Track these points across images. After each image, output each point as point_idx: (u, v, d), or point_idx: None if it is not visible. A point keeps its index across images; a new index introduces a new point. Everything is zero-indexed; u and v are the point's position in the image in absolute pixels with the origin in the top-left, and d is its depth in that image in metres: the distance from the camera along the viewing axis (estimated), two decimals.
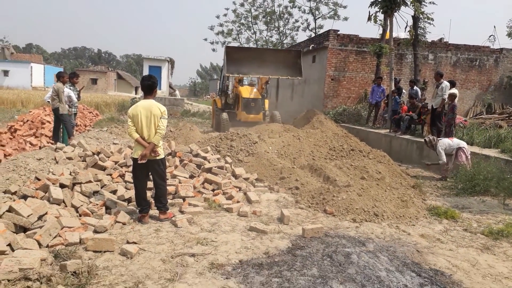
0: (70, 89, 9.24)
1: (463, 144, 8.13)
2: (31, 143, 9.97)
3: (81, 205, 4.88)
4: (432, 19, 13.84)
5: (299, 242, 4.52)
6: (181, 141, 10.40)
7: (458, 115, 11.81)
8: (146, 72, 30.14)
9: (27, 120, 12.16)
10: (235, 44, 35.02)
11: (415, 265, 4.08)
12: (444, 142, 8.13)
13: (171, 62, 31.85)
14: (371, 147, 10.30)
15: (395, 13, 13.19)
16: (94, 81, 56.00)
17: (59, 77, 8.67)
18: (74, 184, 5.33)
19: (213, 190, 6.23)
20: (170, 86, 32.44)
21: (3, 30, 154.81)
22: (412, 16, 13.72)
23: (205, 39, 36.31)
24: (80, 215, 4.75)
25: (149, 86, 4.82)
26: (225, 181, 6.38)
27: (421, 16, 13.50)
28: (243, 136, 8.94)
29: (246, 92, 13.88)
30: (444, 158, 8.04)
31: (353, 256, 4.18)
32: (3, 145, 9.39)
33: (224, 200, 5.86)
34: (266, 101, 14.47)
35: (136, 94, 36.68)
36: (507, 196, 6.74)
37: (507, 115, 14.61)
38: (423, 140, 8.67)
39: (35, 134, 11.25)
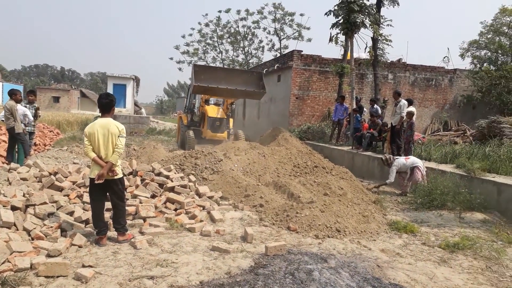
0: (26, 107, 8.90)
1: (418, 163, 8.42)
2: None
3: (34, 228, 4.65)
4: (390, 41, 14.51)
5: (261, 261, 4.48)
6: (145, 159, 10.20)
7: (416, 132, 12.28)
8: (110, 90, 29.58)
9: None
10: (201, 63, 35.16)
11: (376, 280, 4.13)
12: (399, 162, 8.43)
13: (136, 80, 31.49)
14: (334, 164, 10.49)
15: (356, 35, 13.70)
16: (57, 99, 54.26)
17: (11, 94, 8.33)
18: (27, 206, 5.08)
19: (175, 209, 6.11)
20: (136, 104, 32.00)
21: None
22: (371, 37, 14.29)
23: (171, 58, 36.32)
24: (32, 239, 4.52)
25: (107, 104, 4.72)
26: (188, 200, 6.29)
27: (379, 37, 14.08)
28: (208, 154, 8.89)
29: (213, 111, 14.25)
30: (392, 178, 8.43)
31: (315, 273, 4.19)
32: None
33: (186, 220, 5.76)
34: (231, 120, 14.87)
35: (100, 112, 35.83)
36: (462, 209, 7.00)
37: (462, 132, 15.33)
38: (381, 158, 8.95)
39: None
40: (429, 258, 4.86)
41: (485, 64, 20.10)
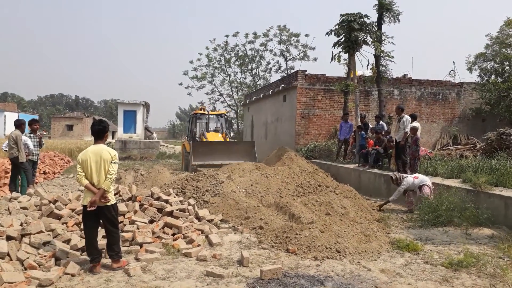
0: (31, 136, 9.07)
1: (427, 181, 8.26)
2: None
3: (28, 258, 4.65)
4: (393, 57, 14.51)
5: (256, 285, 4.39)
6: (149, 184, 10.23)
7: (422, 147, 12.10)
8: (121, 116, 30.08)
9: None
10: (210, 87, 35.65)
11: None
12: (408, 181, 8.25)
13: (146, 105, 31.96)
14: (340, 182, 10.39)
15: (358, 52, 13.76)
16: (70, 128, 55.53)
17: (18, 125, 8.53)
18: (23, 236, 5.11)
19: (173, 234, 6.07)
20: (148, 129, 32.38)
21: None
22: (373, 54, 14.31)
23: (180, 84, 36.86)
24: (25, 269, 4.52)
25: (99, 131, 4.78)
26: (186, 224, 6.24)
27: (382, 54, 14.10)
28: (210, 177, 8.89)
29: (212, 137, 15.60)
30: (396, 197, 8.33)
31: None
32: None
33: (183, 245, 5.70)
34: None
35: (113, 138, 36.37)
36: (469, 225, 6.79)
37: (471, 145, 15.06)
38: (390, 176, 8.77)
39: None
40: (430, 278, 4.69)
41: (492, 77, 19.87)
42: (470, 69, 21.95)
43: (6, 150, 8.54)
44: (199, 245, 5.74)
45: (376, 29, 14.05)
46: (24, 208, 6.31)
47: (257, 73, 35.49)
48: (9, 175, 10.90)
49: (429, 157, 12.17)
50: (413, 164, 9.86)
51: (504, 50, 20.82)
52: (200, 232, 6.31)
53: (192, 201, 7.39)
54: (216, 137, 15.68)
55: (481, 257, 5.29)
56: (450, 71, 20.56)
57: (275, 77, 40.89)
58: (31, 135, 9.18)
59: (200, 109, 18.77)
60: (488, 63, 21.28)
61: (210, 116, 17.29)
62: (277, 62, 35.25)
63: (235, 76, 35.59)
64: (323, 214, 7.16)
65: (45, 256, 4.84)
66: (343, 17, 13.42)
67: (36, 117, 50.84)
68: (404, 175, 8.69)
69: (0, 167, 12.06)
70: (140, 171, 14.45)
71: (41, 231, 5.24)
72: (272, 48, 34.20)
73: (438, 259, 5.40)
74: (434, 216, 7.20)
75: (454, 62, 24.52)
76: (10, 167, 11.46)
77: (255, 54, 34.76)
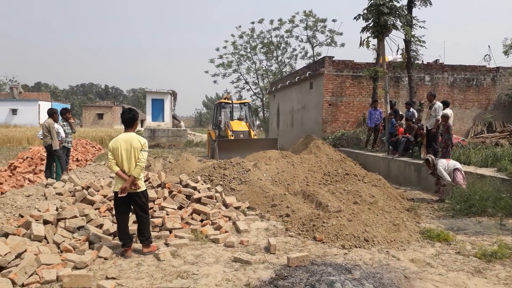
0: (64, 124, 9.37)
1: (458, 165, 8.04)
2: (30, 180, 10.04)
3: (63, 241, 4.84)
4: (424, 42, 13.99)
5: (283, 272, 4.40)
6: (177, 171, 10.39)
7: (455, 135, 11.72)
8: (149, 105, 30.58)
9: (27, 157, 12.33)
10: (235, 75, 35.60)
11: None
12: (443, 162, 8.03)
13: (174, 94, 32.32)
14: (368, 171, 10.23)
15: (387, 37, 13.36)
16: (101, 116, 56.96)
17: (51, 114, 8.82)
18: (58, 220, 5.31)
19: (201, 220, 6.17)
20: (175, 118, 32.86)
21: (13, 70, 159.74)
22: (403, 39, 13.87)
23: (207, 72, 36.93)
24: (61, 252, 4.71)
25: (129, 119, 4.87)
26: (214, 210, 6.32)
27: (412, 39, 13.64)
28: (236, 164, 8.94)
29: (236, 125, 15.97)
30: (448, 178, 7.83)
31: (337, 284, 4.05)
32: (1, 183, 9.48)
33: (211, 231, 5.78)
34: (252, 132, 16.02)
35: (141, 127, 37.17)
36: (504, 216, 6.57)
37: (508, 133, 14.46)
38: (423, 160, 8.49)
39: (34, 171, 11.37)
40: (462, 268, 4.57)
41: None
42: (506, 53, 20.97)
43: (41, 138, 8.87)
44: (226, 232, 5.81)
45: (406, 13, 13.55)
46: (59, 194, 6.56)
47: (283, 60, 35.13)
48: (44, 162, 11.37)
49: (462, 145, 11.79)
50: (445, 152, 9.57)
51: None
52: (228, 218, 6.38)
53: (219, 188, 7.47)
54: (240, 125, 16.08)
55: None
56: (485, 56, 19.71)
57: (301, 64, 40.48)
58: (64, 123, 9.47)
59: (225, 98, 19.19)
60: None
61: (234, 105, 17.80)
62: (303, 48, 34.74)
63: (260, 63, 35.40)
64: (351, 202, 7.09)
65: (79, 240, 5.02)
66: (372, 1, 13.01)
67: (68, 106, 52.51)
68: (436, 158, 8.44)
69: (36, 154, 12.57)
70: (168, 158, 14.72)
71: (75, 216, 5.44)
72: (298, 35, 33.74)
73: (470, 249, 5.26)
74: (466, 206, 7.00)
75: (489, 46, 23.55)
76: (45, 154, 11.97)
77: (281, 41, 34.38)
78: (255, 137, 16.34)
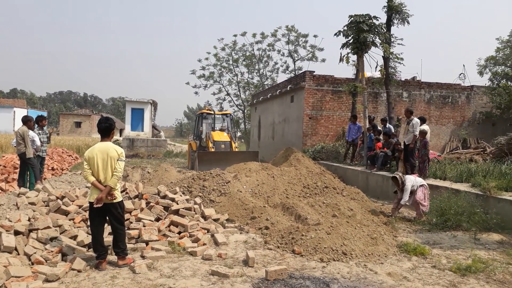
0: (39, 132, 9.14)
1: (425, 182, 8.07)
2: (1, 189, 9.69)
3: (35, 253, 4.68)
4: (402, 59, 14.37)
5: (261, 286, 4.37)
6: (156, 182, 10.25)
7: (431, 151, 11.99)
8: (129, 114, 30.21)
9: (0, 165, 11.93)
10: (217, 86, 35.65)
11: None
12: (411, 179, 7.93)
13: (154, 104, 32.04)
14: (347, 184, 10.33)
15: (366, 54, 13.65)
16: (78, 124, 55.92)
17: (25, 121, 8.59)
18: (30, 231, 5.13)
19: (179, 232, 6.07)
20: (155, 128, 32.48)
21: None
22: (382, 56, 14.20)
23: (187, 83, 36.90)
24: (32, 263, 4.54)
25: (106, 128, 4.79)
26: (192, 223, 6.23)
27: (390, 56, 13.99)
28: (216, 176, 8.88)
29: (218, 136, 15.83)
30: (407, 198, 7.73)
31: None
32: None
33: (189, 243, 5.69)
34: (233, 144, 15.90)
35: (120, 136, 36.57)
36: (478, 230, 6.71)
37: (481, 149, 14.88)
38: (393, 176, 8.17)
39: (6, 180, 10.99)
40: (438, 282, 4.63)
41: (503, 80, 19.66)
42: (480, 73, 21.81)
43: (15, 146, 8.61)
44: (204, 244, 5.73)
45: (385, 30, 13.95)
46: (32, 204, 6.35)
47: (265, 73, 35.45)
48: (18, 170, 11.02)
49: (438, 160, 12.06)
50: (422, 167, 9.78)
51: None
52: (206, 231, 6.30)
53: (198, 200, 7.39)
54: (222, 136, 15.96)
55: (489, 262, 5.22)
56: (460, 74, 20.41)
57: (282, 77, 40.88)
58: (40, 131, 9.24)
59: (207, 109, 19.05)
60: (499, 67, 21.07)
61: (216, 116, 17.68)
62: (285, 62, 35.16)
63: (242, 76, 35.59)
64: (329, 216, 7.13)
65: (52, 251, 4.86)
66: (352, 18, 13.32)
67: (45, 113, 51.35)
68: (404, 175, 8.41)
69: (9, 162, 12.18)
70: (147, 169, 14.49)
71: (48, 227, 5.27)
72: (280, 49, 34.20)
73: (446, 263, 5.34)
74: (442, 220, 7.14)
75: (464, 66, 24.41)
76: (18, 162, 11.62)
77: (263, 54, 34.72)
78: (236, 149, 16.25)
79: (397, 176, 8.02)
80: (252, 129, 27.54)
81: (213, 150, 15.20)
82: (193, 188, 8.38)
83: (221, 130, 16.81)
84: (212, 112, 17.92)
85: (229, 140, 15.87)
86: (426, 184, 8.07)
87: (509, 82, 18.96)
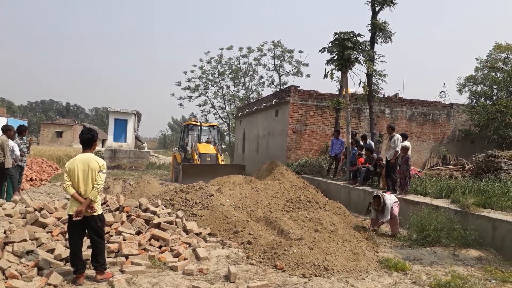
0: (20, 142, 8.95)
1: (396, 199, 8.24)
2: None
3: (9, 267, 4.53)
4: (385, 76, 14.69)
5: None
6: (137, 194, 10.11)
7: (412, 167, 12.18)
8: (112, 125, 29.87)
9: None
10: (202, 98, 35.67)
11: None
12: (389, 198, 8.01)
13: (138, 115, 31.81)
14: (329, 199, 10.39)
15: (350, 70, 13.89)
16: (60, 134, 54.94)
17: (4, 130, 8.41)
18: (5, 244, 4.98)
19: (160, 247, 5.98)
20: (138, 139, 32.18)
21: None
22: (366, 73, 14.48)
23: (172, 95, 36.81)
24: (6, 278, 4.40)
25: (88, 140, 4.72)
26: (174, 237, 6.16)
27: (374, 73, 14.27)
28: (199, 189, 8.82)
29: (204, 148, 15.56)
30: (389, 216, 7.83)
31: None
32: None
33: (170, 258, 5.61)
34: (220, 157, 15.62)
35: (102, 147, 36.05)
36: (457, 246, 6.82)
37: (460, 166, 15.21)
38: (377, 195, 8.06)
39: None
40: None
41: (481, 99, 20.25)
42: (460, 91, 22.44)
43: None
44: (186, 259, 5.66)
45: (368, 48, 14.25)
46: (9, 215, 6.17)
47: (250, 87, 35.68)
48: None
49: (418, 176, 12.26)
50: (404, 183, 9.90)
51: (493, 73, 21.28)
52: (188, 245, 6.23)
53: (180, 213, 7.31)
54: (208, 148, 15.71)
55: (468, 278, 5.29)
56: (441, 92, 20.94)
57: (267, 91, 41.13)
58: (20, 141, 9.05)
59: (193, 121, 18.79)
60: (478, 86, 21.70)
61: (202, 127, 17.38)
62: (271, 76, 35.49)
63: (228, 89, 35.74)
64: (312, 230, 7.13)
65: (27, 265, 4.72)
66: (337, 35, 13.58)
67: (25, 122, 50.32)
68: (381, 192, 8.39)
69: None
70: (129, 181, 14.32)
71: (25, 240, 5.13)
72: (266, 63, 34.50)
73: (425, 279, 5.39)
74: (422, 236, 7.23)
75: (444, 84, 25.08)
76: None
77: (249, 68, 35.01)
78: (223, 162, 15.94)
79: (380, 195, 8.03)
80: (237, 142, 27.55)
81: (198, 162, 14.86)
82: (175, 201, 8.30)
83: (207, 142, 16.53)
84: (199, 124, 17.60)
85: (215, 152, 15.60)
86: (398, 201, 8.20)
87: (487, 101, 19.53)
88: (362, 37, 13.74)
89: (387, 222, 8.12)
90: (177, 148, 18.85)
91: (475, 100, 21.13)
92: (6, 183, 8.50)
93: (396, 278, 5.43)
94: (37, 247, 5.19)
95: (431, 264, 6.14)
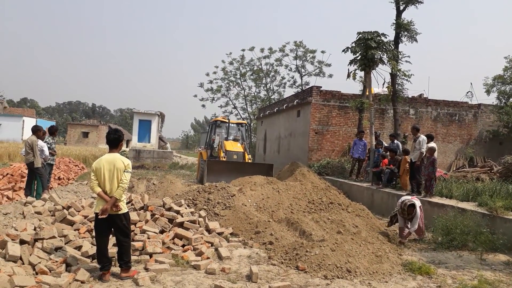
0: (50, 141, 9.26)
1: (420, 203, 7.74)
2: (8, 197, 9.77)
3: (39, 262, 4.70)
4: (409, 76, 14.42)
5: None
6: (161, 194, 10.29)
7: (438, 169, 11.91)
8: (136, 125, 30.44)
9: (7, 174, 12.03)
10: (224, 100, 35.91)
11: None
12: (417, 204, 7.48)
13: (161, 116, 32.30)
14: (351, 200, 10.27)
15: (374, 71, 13.72)
16: (86, 135, 56.38)
17: (34, 131, 8.71)
18: (35, 240, 5.16)
19: (183, 245, 6.07)
20: (162, 139, 32.69)
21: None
22: (390, 73, 14.26)
23: (195, 96, 37.25)
24: (36, 273, 4.56)
25: (114, 140, 4.85)
26: (196, 236, 6.24)
27: (398, 73, 14.04)
28: (221, 189, 8.89)
29: (230, 146, 15.03)
30: (416, 226, 7.29)
31: None
32: None
33: (193, 257, 5.68)
34: (247, 156, 15.17)
35: (127, 147, 36.77)
36: (484, 251, 6.64)
37: (488, 168, 14.76)
38: (408, 205, 7.24)
39: (13, 188, 11.08)
40: None
41: (510, 99, 19.61)
42: (488, 91, 21.75)
43: (24, 155, 8.71)
44: (208, 258, 5.72)
45: (393, 47, 14.04)
46: (38, 213, 6.40)
47: (272, 88, 35.70)
48: (25, 179, 11.11)
49: (444, 178, 11.97)
50: (429, 185, 9.68)
51: None
52: (210, 244, 6.30)
53: (203, 213, 7.39)
54: (235, 146, 15.25)
55: (496, 283, 5.16)
56: (467, 92, 20.33)
57: (289, 92, 41.13)
58: (52, 140, 9.36)
59: (221, 117, 18.26)
60: (507, 85, 21.02)
61: (230, 124, 16.91)
62: (292, 77, 35.42)
63: (249, 89, 35.88)
64: (334, 232, 7.08)
65: (56, 261, 4.88)
66: (360, 35, 13.44)
67: (53, 123, 51.92)
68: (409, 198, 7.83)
69: (16, 171, 12.29)
70: (152, 180, 14.54)
71: (54, 237, 5.30)
72: (288, 64, 34.46)
73: (451, 284, 5.27)
74: (448, 239, 7.06)
75: (471, 84, 24.16)
76: (26, 171, 11.71)
77: (270, 69, 35.03)
78: (249, 161, 15.21)
79: (414, 204, 7.35)
80: (258, 143, 27.58)
81: (224, 159, 14.38)
82: (198, 200, 8.39)
83: (235, 140, 16.10)
84: (227, 121, 17.02)
85: (242, 151, 15.08)
86: (421, 204, 7.72)
87: None
88: (386, 37, 13.57)
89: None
90: (204, 145, 18.28)
91: (503, 100, 20.46)
92: (35, 182, 8.79)
93: (421, 281, 5.33)
94: (65, 244, 5.35)
95: (457, 268, 6.00)
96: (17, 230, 5.36)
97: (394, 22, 15.00)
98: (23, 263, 4.65)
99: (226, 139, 16.01)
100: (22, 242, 4.99)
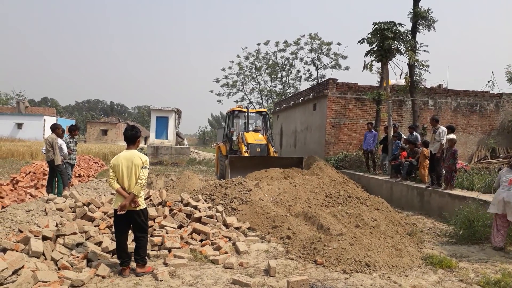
0: (70, 141, 9.43)
1: None
2: (31, 195, 10.03)
3: (61, 258, 4.80)
4: (428, 66, 14.11)
5: None
6: (179, 190, 10.38)
7: (459, 160, 11.67)
8: (153, 122, 30.79)
9: (29, 172, 12.35)
10: (240, 94, 35.92)
11: None
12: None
13: (178, 112, 32.56)
14: (370, 194, 10.16)
15: (391, 61, 13.48)
16: (105, 132, 57.38)
17: (54, 129, 8.88)
18: (57, 236, 5.27)
19: (201, 240, 6.11)
20: (179, 135, 32.98)
21: (20, 85, 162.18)
22: (407, 64, 13.99)
23: (211, 91, 37.34)
24: (59, 269, 4.66)
25: (131, 136, 4.90)
26: (214, 230, 6.27)
27: (416, 63, 13.76)
28: (238, 184, 8.90)
29: (251, 137, 13.51)
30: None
31: None
32: (2, 197, 9.45)
33: (211, 251, 5.72)
34: (271, 148, 13.43)
35: (145, 144, 37.23)
36: (508, 243, 6.47)
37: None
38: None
39: (36, 186, 11.36)
40: None
41: None
42: (510, 80, 21.11)
43: (44, 153, 8.91)
44: (226, 253, 5.75)
45: (410, 37, 13.74)
46: (60, 210, 6.53)
47: (287, 82, 35.52)
48: (46, 177, 11.38)
49: (465, 170, 11.72)
50: (449, 177, 9.49)
51: None
52: (228, 239, 6.32)
53: (220, 207, 7.42)
54: (257, 137, 13.60)
55: None
56: (489, 82, 19.80)
57: (305, 85, 40.85)
58: (70, 140, 9.53)
59: (239, 107, 16.39)
60: None
61: (250, 114, 15.08)
62: (308, 70, 35.23)
63: (265, 84, 35.79)
64: (352, 226, 7.02)
65: (77, 257, 4.98)
66: (376, 26, 13.20)
67: (73, 122, 52.95)
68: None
69: (38, 169, 12.60)
70: (170, 176, 14.72)
71: (75, 233, 5.40)
72: (303, 57, 34.20)
73: (473, 277, 5.16)
74: (469, 232, 6.90)
75: (493, 72, 23.42)
76: (47, 169, 12.00)
77: (286, 63, 34.85)
78: (275, 154, 13.34)
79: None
80: (274, 137, 27.53)
81: (247, 154, 12.83)
82: (215, 196, 8.43)
83: (256, 130, 14.34)
84: (245, 110, 15.02)
85: (265, 142, 13.44)
86: None
87: None
88: (403, 26, 13.30)
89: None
90: (222, 139, 16.35)
91: None
92: (56, 179, 8.98)
93: (442, 275, 5.24)
94: (86, 239, 5.45)
95: (479, 261, 5.87)
96: (39, 226, 5.48)
97: (411, 11, 14.67)
98: (45, 259, 4.76)
99: (246, 130, 14.43)
100: (44, 238, 5.11)
